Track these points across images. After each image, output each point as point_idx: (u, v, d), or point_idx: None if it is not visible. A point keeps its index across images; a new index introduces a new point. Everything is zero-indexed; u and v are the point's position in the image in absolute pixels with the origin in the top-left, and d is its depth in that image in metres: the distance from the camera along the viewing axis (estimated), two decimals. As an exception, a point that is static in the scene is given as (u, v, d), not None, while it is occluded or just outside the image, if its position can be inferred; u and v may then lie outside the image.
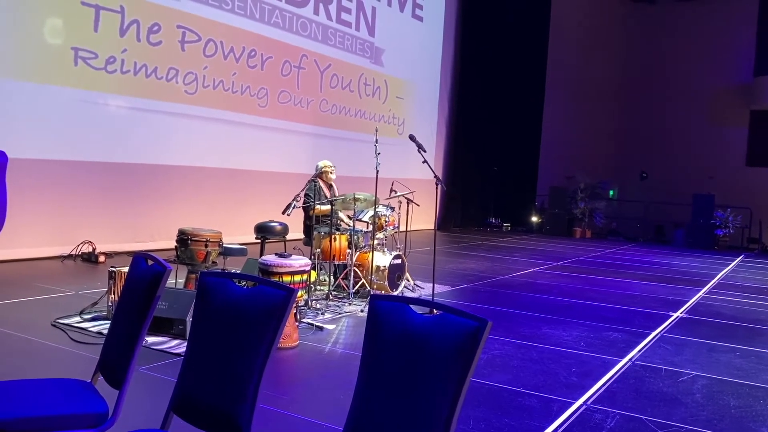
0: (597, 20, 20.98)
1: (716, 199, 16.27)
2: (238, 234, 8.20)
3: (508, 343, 5.17)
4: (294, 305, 5.03)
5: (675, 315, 6.83)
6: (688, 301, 7.73)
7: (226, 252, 5.80)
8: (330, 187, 7.09)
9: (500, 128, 17.09)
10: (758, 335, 6.14)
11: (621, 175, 20.53)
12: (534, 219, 18.12)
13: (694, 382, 4.44)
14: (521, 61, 17.34)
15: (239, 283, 2.11)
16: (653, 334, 5.84)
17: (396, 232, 7.38)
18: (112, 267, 5.05)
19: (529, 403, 3.81)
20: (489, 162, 17.02)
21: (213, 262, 5.70)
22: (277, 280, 4.92)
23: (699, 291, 8.62)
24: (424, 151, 6.21)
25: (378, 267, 6.60)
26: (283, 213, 6.18)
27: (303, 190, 6.63)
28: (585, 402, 3.88)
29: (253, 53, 10.35)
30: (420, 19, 14.63)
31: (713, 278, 10.07)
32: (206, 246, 5.57)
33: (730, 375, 4.68)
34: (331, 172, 7.08)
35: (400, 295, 6.64)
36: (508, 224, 17.50)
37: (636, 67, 22.18)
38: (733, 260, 13.08)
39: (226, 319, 2.04)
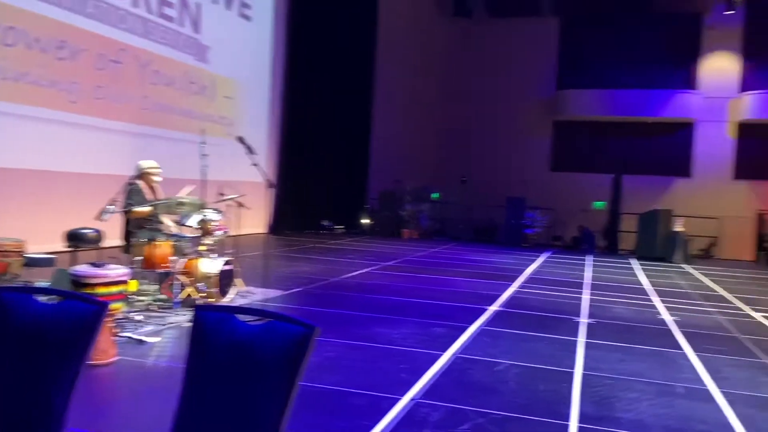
0: (421, 31, 22.06)
1: (527, 202, 17.87)
2: (45, 242, 7.44)
3: (339, 344, 5.23)
4: (111, 318, 4.67)
5: (491, 308, 7.36)
6: (502, 295, 8.37)
7: (31, 263, 5.25)
8: (153, 190, 6.62)
9: (332, 132, 17.30)
10: (562, 324, 6.81)
11: (444, 179, 21.78)
12: (365, 221, 18.58)
13: (508, 371, 4.81)
14: (351, 67, 17.70)
15: (43, 298, 1.91)
16: (473, 327, 6.24)
17: (227, 236, 7.16)
18: None
19: (360, 403, 3.88)
20: (321, 165, 17.14)
21: (15, 274, 5.12)
22: (90, 292, 4.53)
23: (511, 285, 9.38)
24: (254, 154, 6.09)
25: (206, 274, 6.33)
26: (98, 218, 5.71)
27: (121, 192, 6.17)
28: (413, 398, 4.04)
29: (62, 45, 9.45)
30: (247, 18, 14.35)
31: (523, 273, 11.02)
32: (7, 257, 4.99)
33: (539, 362, 5.14)
34: (155, 175, 6.57)
35: (231, 301, 6.45)
36: (342, 227, 17.78)
37: (454, 79, 23.68)
38: (540, 256, 14.42)
39: (27, 338, 1.85)
